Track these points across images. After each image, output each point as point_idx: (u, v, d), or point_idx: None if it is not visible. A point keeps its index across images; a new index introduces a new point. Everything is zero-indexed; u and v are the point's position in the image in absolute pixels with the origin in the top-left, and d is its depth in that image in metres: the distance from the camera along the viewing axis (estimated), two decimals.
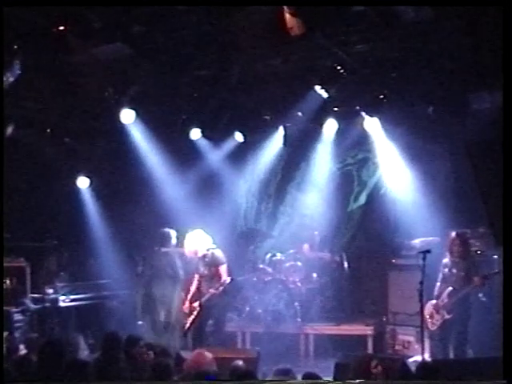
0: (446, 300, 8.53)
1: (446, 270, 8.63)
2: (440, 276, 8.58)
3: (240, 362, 6.23)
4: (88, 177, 11.83)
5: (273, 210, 12.78)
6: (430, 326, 8.42)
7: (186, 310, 9.12)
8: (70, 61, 7.99)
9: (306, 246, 11.38)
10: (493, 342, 8.10)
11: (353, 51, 8.52)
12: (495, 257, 9.14)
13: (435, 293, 8.46)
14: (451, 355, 8.58)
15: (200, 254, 9.15)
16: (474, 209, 9.55)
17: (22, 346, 9.20)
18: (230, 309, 9.71)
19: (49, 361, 5.75)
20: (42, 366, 5.72)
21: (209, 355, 6.29)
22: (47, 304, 10.48)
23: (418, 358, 8.53)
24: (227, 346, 9.03)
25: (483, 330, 8.85)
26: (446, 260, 8.65)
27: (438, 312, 8.53)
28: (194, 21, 7.56)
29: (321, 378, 5.54)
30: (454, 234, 8.72)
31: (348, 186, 12.16)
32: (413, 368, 6.10)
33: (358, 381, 5.34)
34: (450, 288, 8.54)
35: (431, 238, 9.90)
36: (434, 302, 8.57)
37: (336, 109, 10.43)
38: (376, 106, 9.84)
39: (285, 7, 6.87)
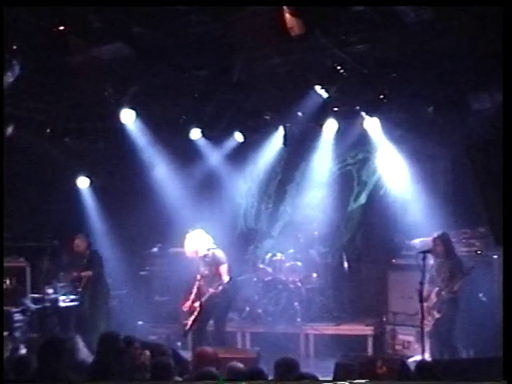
0: (434, 300, 8.56)
1: (433, 271, 8.66)
2: (427, 277, 8.56)
3: (240, 362, 6.23)
4: (88, 177, 11.84)
5: (273, 210, 12.78)
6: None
7: (187, 311, 9.11)
8: (70, 61, 7.99)
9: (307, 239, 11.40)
10: (493, 342, 8.11)
11: (353, 51, 8.51)
12: (495, 257, 9.14)
13: (424, 295, 8.44)
14: (446, 354, 8.57)
15: (200, 254, 9.15)
16: (474, 209, 9.54)
17: (21, 346, 9.20)
18: (230, 309, 9.69)
19: (49, 361, 5.75)
20: (42, 366, 5.71)
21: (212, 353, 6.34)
22: (47, 304, 10.47)
23: (418, 357, 8.53)
24: (227, 346, 9.02)
25: (483, 329, 8.86)
26: (431, 261, 8.66)
27: (429, 313, 8.53)
28: (194, 21, 7.55)
29: (318, 379, 5.53)
30: (435, 235, 8.75)
31: (348, 186, 12.15)
32: (413, 368, 6.10)
33: (359, 381, 5.34)
34: (437, 288, 8.59)
35: (431, 238, 9.89)
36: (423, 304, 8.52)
37: (336, 109, 10.43)
38: (376, 106, 9.84)
39: (285, 7, 6.86)
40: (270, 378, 5.67)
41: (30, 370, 5.76)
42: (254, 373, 5.49)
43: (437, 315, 8.53)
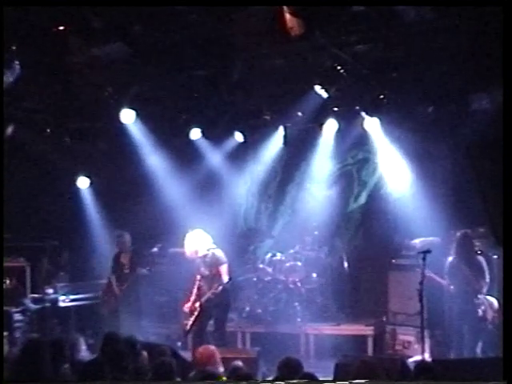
0: None
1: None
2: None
3: (240, 362, 6.23)
4: (88, 177, 11.84)
5: (273, 209, 12.78)
6: None
7: (187, 311, 9.11)
8: (70, 61, 7.99)
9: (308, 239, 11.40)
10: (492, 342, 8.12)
11: (353, 51, 8.52)
12: (495, 257, 9.14)
13: None
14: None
15: (200, 254, 9.15)
16: (474, 209, 9.53)
17: (21, 346, 9.19)
18: (230, 309, 9.69)
19: (48, 361, 5.75)
20: (42, 366, 5.71)
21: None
22: (47, 304, 10.49)
23: (418, 357, 8.53)
24: (227, 346, 9.02)
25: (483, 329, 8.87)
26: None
27: None
28: (193, 21, 7.56)
29: (317, 379, 5.53)
30: None
31: (348, 186, 12.15)
32: (413, 368, 6.10)
33: (360, 381, 5.33)
34: None
35: (431, 238, 9.90)
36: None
37: (336, 109, 10.43)
38: (376, 106, 9.84)
39: (285, 7, 6.87)
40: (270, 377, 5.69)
41: (30, 370, 5.76)
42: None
43: None
